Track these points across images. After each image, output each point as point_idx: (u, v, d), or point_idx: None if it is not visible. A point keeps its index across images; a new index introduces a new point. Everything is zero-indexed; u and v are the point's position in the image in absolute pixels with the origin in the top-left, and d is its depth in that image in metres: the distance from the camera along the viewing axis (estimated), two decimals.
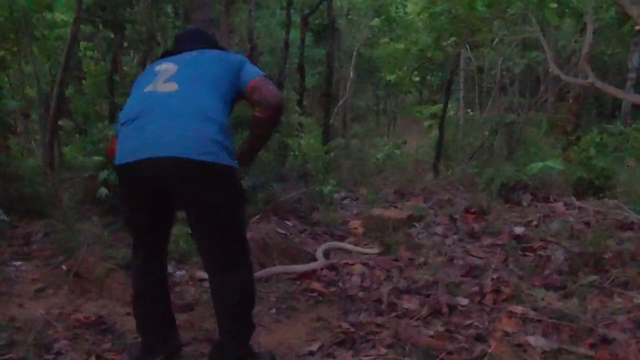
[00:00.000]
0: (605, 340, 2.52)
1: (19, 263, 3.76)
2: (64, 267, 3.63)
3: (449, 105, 8.47)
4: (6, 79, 10.12)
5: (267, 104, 2.22)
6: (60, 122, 7.89)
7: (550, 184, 5.77)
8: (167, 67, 2.29)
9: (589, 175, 5.71)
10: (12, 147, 6.02)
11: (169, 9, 7.26)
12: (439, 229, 4.51)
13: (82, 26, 9.41)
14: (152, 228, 2.35)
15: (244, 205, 2.36)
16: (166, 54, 2.46)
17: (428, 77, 19.17)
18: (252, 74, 2.30)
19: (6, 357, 2.45)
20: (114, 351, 2.60)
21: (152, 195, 2.21)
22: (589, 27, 4.07)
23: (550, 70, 5.01)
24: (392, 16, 8.60)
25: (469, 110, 9.36)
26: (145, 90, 2.22)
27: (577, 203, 4.97)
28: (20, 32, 8.57)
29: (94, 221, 4.13)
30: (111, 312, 3.03)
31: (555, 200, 5.27)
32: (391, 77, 6.44)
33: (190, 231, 2.52)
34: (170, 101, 2.14)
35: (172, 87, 2.18)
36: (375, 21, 10.56)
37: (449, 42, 5.57)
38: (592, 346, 2.50)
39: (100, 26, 6.64)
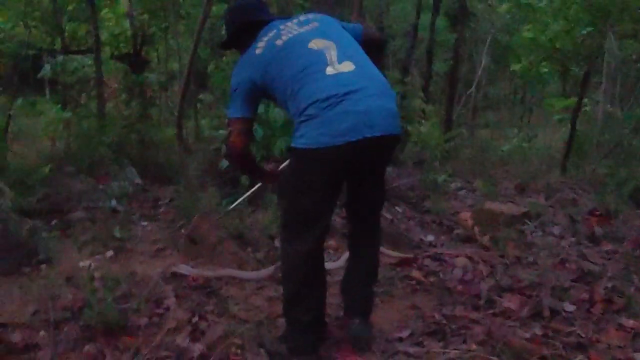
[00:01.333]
0: None
1: (145, 223, 4.13)
2: (182, 231, 3.93)
3: (586, 100, 7.90)
4: (155, 54, 10.97)
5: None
6: (201, 96, 8.42)
7: None
8: (321, 43, 2.30)
9: None
10: (153, 118, 6.53)
11: None
12: (555, 229, 4.28)
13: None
14: (329, 211, 2.39)
15: None
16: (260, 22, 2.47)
17: (573, 69, 17.93)
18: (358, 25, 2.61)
19: (123, 306, 2.72)
20: (215, 313, 2.79)
21: (338, 177, 2.30)
22: None
23: None
24: (522, 2, 8.14)
25: (608, 105, 8.66)
26: (328, 73, 2.21)
27: None
28: (168, 11, 9.24)
29: (213, 191, 4.38)
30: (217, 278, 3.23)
31: None
32: (516, 67, 6.13)
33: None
34: (360, 82, 2.20)
35: (350, 67, 2.23)
36: (503, 7, 10.04)
37: (585, 31, 5.17)
38: None
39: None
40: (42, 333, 2.56)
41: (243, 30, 2.51)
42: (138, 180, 4.99)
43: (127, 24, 9.53)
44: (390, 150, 2.40)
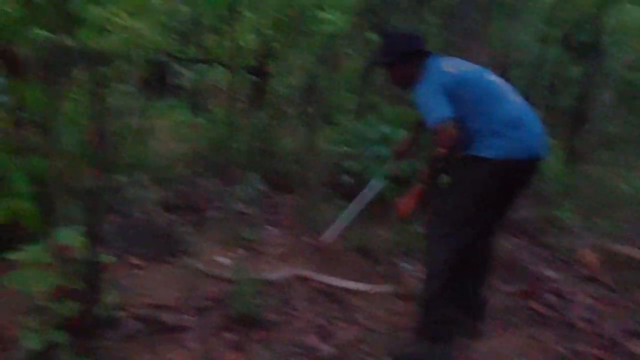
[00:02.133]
0: None
1: (270, 228, 4.37)
2: (304, 238, 4.14)
3: None
4: (276, 67, 11.44)
5: None
6: (311, 110, 8.73)
7: None
8: (494, 77, 2.80)
9: None
10: (275, 127, 6.86)
11: (430, 16, 7.56)
12: None
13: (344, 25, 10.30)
14: (488, 217, 2.82)
15: None
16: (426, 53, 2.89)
17: None
18: None
19: (254, 302, 2.93)
20: (341, 319, 2.95)
21: (506, 187, 2.73)
22: None
23: None
24: None
25: None
26: (511, 101, 2.69)
27: None
28: (293, 27, 9.68)
29: (335, 203, 4.57)
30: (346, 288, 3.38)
31: None
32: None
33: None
34: (528, 112, 2.70)
35: (518, 99, 2.73)
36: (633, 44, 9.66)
37: None
38: None
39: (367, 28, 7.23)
40: (186, 317, 2.83)
41: (414, 55, 2.87)
42: (261, 187, 5.27)
43: (253, 38, 10.10)
44: (536, 171, 2.78)
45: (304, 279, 3.39)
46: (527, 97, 7.25)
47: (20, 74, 3.72)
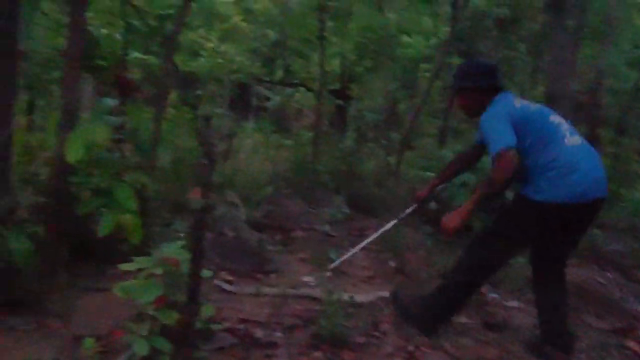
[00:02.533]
0: None
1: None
2: (390, 263, 4.15)
3: None
4: (358, 91, 11.56)
5: None
6: (393, 134, 8.78)
7: None
8: (558, 119, 2.86)
9: None
10: (359, 151, 6.95)
11: (519, 43, 7.46)
12: None
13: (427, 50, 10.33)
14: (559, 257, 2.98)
15: None
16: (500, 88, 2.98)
17: None
18: None
19: (342, 323, 2.96)
20: (427, 345, 2.93)
21: (551, 231, 2.84)
22: None
23: None
24: None
25: None
26: (566, 143, 2.75)
27: None
28: (376, 51, 9.80)
29: (420, 228, 4.56)
30: None
31: None
32: None
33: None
34: (586, 155, 2.76)
35: (578, 141, 2.79)
36: None
37: None
38: None
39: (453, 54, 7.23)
40: (277, 333, 2.90)
41: (489, 87, 2.97)
42: (345, 209, 5.35)
43: (337, 62, 10.30)
44: (599, 211, 2.84)
45: (390, 303, 3.39)
46: (621, 124, 7.00)
47: (129, 97, 3.98)
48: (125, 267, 2.44)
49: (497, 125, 2.73)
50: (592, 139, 5.83)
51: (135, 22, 5.07)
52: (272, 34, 10.07)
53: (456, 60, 6.76)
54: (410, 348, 2.87)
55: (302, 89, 9.86)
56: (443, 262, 3.91)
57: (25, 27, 3.85)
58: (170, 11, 5.28)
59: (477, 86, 2.98)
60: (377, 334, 3.02)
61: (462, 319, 3.32)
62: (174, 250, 2.46)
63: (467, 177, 4.67)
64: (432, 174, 5.23)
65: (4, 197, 2.85)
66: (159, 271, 2.33)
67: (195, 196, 2.34)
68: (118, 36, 5.08)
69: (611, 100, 8.55)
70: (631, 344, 3.28)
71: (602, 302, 3.76)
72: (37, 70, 5.63)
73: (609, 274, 4.41)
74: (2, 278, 2.72)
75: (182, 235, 3.60)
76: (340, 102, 8.78)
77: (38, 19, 5.04)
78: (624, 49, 11.39)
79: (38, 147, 4.11)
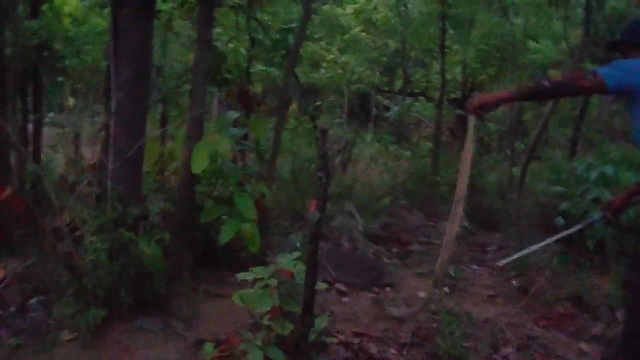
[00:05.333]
0: None
1: (475, 267, 4.23)
2: (514, 282, 3.93)
3: None
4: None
5: None
6: (515, 144, 8.35)
7: None
8: None
9: None
10: (483, 163, 6.68)
11: None
12: None
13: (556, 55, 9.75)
14: None
15: None
16: None
17: None
18: None
19: (463, 345, 2.83)
20: None
21: None
22: None
23: None
24: None
25: None
26: None
27: None
28: (503, 59, 9.40)
29: (551, 247, 4.27)
30: (557, 338, 3.13)
31: None
32: None
33: None
34: None
35: None
36: None
37: None
38: None
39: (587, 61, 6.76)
40: (392, 350, 2.83)
41: None
42: (465, 224, 5.14)
43: (459, 70, 10.02)
44: None
45: (513, 325, 3.19)
46: None
47: (251, 109, 4.12)
48: (243, 276, 2.50)
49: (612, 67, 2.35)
50: None
51: (259, 36, 5.26)
52: (392, 44, 10.01)
53: (589, 66, 6.31)
54: None
55: (422, 98, 9.72)
56: (571, 284, 3.62)
57: (159, 45, 4.11)
58: (293, 24, 5.42)
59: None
60: (497, 357, 2.85)
61: (584, 345, 3.06)
62: (290, 262, 2.48)
63: (601, 192, 4.31)
64: (564, 189, 4.90)
65: (135, 204, 3.03)
66: (274, 282, 2.35)
67: (311, 209, 2.34)
68: (243, 50, 5.29)
69: None
70: None
71: None
72: (170, 84, 6.00)
73: None
74: (133, 281, 2.88)
75: (298, 246, 3.64)
76: (461, 111, 8.51)
77: (171, 36, 5.38)
78: None
79: (168, 157, 4.36)
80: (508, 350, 2.91)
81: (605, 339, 3.20)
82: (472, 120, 2.50)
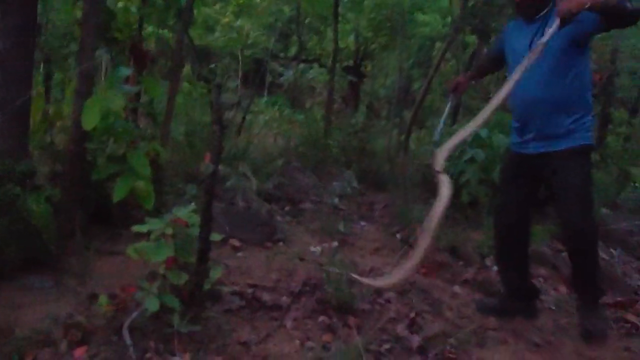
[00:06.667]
0: None
1: (363, 223, 4.50)
2: (398, 235, 4.23)
3: None
4: (372, 68, 11.61)
5: None
6: (405, 112, 8.78)
7: None
8: None
9: None
10: (370, 127, 6.98)
11: None
12: None
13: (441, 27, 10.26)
14: None
15: None
16: None
17: None
18: None
19: (348, 290, 3.04)
20: (430, 313, 3.02)
21: None
22: None
23: None
24: None
25: None
26: None
27: None
28: (394, 29, 9.76)
29: (428, 202, 4.61)
30: (434, 284, 3.44)
31: None
32: None
33: None
34: None
35: None
36: None
37: None
38: None
39: (468, 32, 7.20)
40: (284, 298, 2.99)
41: None
42: (355, 184, 5.41)
43: (351, 39, 10.28)
44: None
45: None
46: (636, 105, 6.93)
47: (144, 66, 4.06)
48: (137, 228, 2.54)
49: None
50: (603, 118, 5.83)
51: None
52: (287, 10, 10.06)
53: (469, 38, 6.77)
54: (412, 315, 2.95)
55: (316, 65, 9.89)
56: (448, 236, 3.97)
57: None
58: None
59: None
60: (381, 301, 3.10)
61: (457, 288, 3.41)
62: (185, 214, 2.55)
63: (476, 152, 4.71)
64: None
65: (22, 161, 2.95)
66: (169, 232, 2.42)
67: (206, 161, 2.42)
68: (134, 9, 5.14)
69: (627, 81, 8.47)
70: (630, 317, 3.34)
71: (605, 278, 3.80)
72: (54, 43, 5.72)
73: (613, 251, 4.45)
74: (21, 238, 2.83)
75: (193, 201, 3.69)
76: (353, 78, 8.80)
77: None
78: None
79: (54, 116, 4.21)
80: (390, 294, 3.18)
81: (476, 282, 3.58)
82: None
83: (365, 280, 2.65)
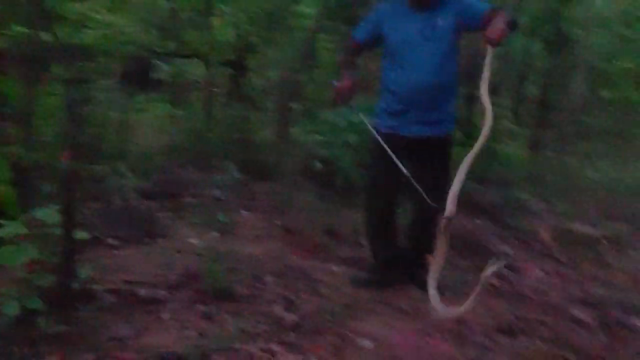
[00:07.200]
0: None
1: (245, 212, 4.56)
2: (278, 222, 4.33)
3: None
4: (255, 62, 11.60)
5: None
6: (291, 105, 8.89)
7: None
8: None
9: None
10: (252, 119, 7.01)
11: None
12: (633, 252, 4.35)
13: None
14: None
15: None
16: None
17: None
18: None
19: (226, 277, 3.11)
20: (305, 291, 3.15)
21: None
22: None
23: None
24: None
25: None
26: None
27: None
28: (272, 21, 9.83)
29: (307, 188, 4.77)
30: (312, 265, 3.58)
31: None
32: (608, 95, 6.13)
33: None
34: None
35: None
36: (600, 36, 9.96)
37: None
38: None
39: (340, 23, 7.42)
40: (161, 291, 3.00)
41: None
42: (237, 175, 5.45)
43: (231, 32, 10.22)
44: None
45: (274, 259, 3.57)
46: (496, 87, 7.43)
47: (1, 69, 3.86)
48: None
49: None
50: (469, 99, 6.25)
51: None
52: (163, 4, 9.82)
53: (341, 26, 7.00)
54: (289, 295, 3.06)
55: (196, 59, 9.75)
56: (324, 218, 4.14)
57: None
58: None
59: None
60: (259, 285, 3.19)
61: (333, 267, 3.58)
62: (46, 213, 2.49)
63: (351, 137, 4.91)
64: (322, 138, 5.46)
65: None
66: (22, 232, 2.35)
67: (64, 159, 2.38)
68: None
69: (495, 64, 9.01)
70: (492, 279, 3.65)
71: (468, 245, 4.12)
72: None
73: (478, 221, 4.82)
74: None
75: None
76: (233, 72, 8.78)
77: None
78: None
79: None
80: (268, 278, 3.28)
81: (352, 260, 3.76)
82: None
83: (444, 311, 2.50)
